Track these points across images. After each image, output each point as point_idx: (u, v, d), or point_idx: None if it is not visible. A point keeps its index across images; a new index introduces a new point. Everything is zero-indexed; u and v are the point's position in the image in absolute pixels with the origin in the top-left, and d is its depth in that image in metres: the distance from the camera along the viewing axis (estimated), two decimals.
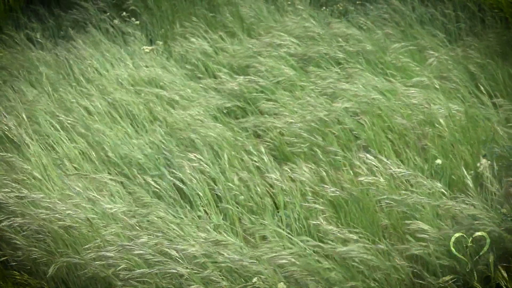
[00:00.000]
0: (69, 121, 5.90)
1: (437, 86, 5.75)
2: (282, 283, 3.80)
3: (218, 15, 7.57)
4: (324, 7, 7.38)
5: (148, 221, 4.30)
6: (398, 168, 4.50)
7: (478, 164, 4.52)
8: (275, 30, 6.91)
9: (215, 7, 7.71)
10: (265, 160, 4.91)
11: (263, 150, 4.99)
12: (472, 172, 4.60)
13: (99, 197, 4.59)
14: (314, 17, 6.97)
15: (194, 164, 4.93)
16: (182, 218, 4.41)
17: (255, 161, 4.99)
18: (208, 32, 7.23)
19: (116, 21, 7.90)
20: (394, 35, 6.65)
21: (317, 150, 5.13)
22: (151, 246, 3.93)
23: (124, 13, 8.15)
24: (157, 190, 4.84)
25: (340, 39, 6.55)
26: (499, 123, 5.18)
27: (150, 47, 7.19)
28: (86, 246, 4.24)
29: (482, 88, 5.64)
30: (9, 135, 5.37)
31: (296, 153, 5.23)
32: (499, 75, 5.86)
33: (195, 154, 5.05)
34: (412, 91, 5.58)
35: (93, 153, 5.47)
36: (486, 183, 4.36)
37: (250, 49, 6.66)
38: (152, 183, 4.89)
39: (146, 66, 6.78)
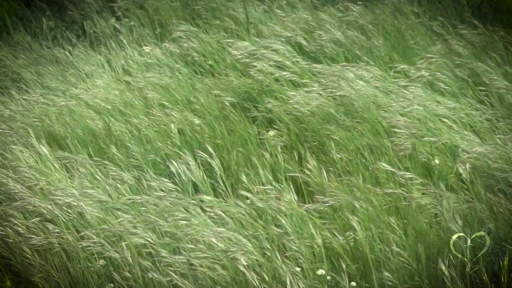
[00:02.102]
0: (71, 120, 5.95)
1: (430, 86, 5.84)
2: (321, 269, 3.92)
3: (216, 15, 7.60)
4: (325, 7, 7.40)
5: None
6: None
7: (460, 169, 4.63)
8: (279, 24, 6.99)
9: (213, 9, 7.73)
10: (279, 159, 4.91)
11: (279, 149, 4.98)
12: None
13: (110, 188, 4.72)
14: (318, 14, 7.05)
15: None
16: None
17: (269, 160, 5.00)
18: (208, 31, 7.22)
19: (112, 21, 7.91)
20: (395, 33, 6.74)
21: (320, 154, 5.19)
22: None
23: (120, 13, 8.17)
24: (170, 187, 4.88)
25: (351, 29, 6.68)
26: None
27: (150, 47, 7.20)
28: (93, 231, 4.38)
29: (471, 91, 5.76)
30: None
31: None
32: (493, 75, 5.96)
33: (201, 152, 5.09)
34: (412, 90, 5.66)
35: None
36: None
37: (256, 44, 6.67)
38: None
39: (146, 69, 6.84)
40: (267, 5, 7.52)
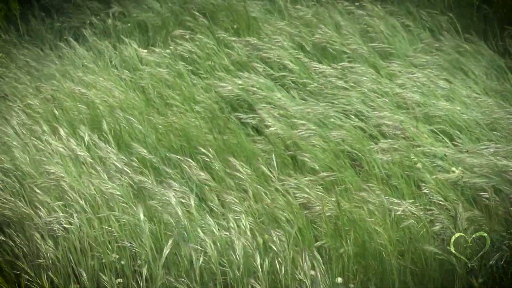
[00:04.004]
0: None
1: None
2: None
3: (216, 15, 7.63)
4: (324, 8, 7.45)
5: None
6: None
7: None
8: (281, 22, 7.05)
9: (212, 11, 7.74)
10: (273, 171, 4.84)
11: (274, 159, 4.89)
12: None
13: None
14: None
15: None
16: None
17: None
18: (207, 31, 7.23)
19: (110, 23, 7.95)
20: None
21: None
22: None
23: (117, 13, 8.21)
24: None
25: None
26: None
27: (146, 50, 7.21)
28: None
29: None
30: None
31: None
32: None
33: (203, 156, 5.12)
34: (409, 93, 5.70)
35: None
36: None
37: (256, 43, 6.71)
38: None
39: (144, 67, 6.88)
40: (267, 5, 7.57)
